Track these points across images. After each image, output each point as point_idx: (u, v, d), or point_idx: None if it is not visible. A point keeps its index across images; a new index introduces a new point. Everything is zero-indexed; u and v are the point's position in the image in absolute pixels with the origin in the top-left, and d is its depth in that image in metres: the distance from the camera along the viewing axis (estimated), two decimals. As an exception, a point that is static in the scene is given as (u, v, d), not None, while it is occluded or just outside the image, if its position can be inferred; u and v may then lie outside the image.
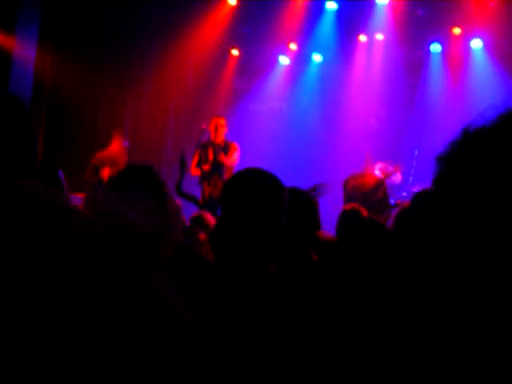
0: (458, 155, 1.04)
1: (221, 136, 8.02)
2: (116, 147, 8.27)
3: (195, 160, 8.08)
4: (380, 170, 8.75)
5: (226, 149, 7.98)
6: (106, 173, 7.41)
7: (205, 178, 7.99)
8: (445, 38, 10.86)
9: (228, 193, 2.27)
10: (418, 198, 3.25)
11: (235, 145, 8.03)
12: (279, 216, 2.21)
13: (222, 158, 7.87)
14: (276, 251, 2.22)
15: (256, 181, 2.25)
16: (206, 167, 8.00)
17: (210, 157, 8.02)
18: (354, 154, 10.04)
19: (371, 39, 11.16)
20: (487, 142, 1.02)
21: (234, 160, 7.93)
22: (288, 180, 4.82)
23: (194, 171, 8.06)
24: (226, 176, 7.78)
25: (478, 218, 0.95)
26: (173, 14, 10.51)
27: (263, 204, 2.18)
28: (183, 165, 7.05)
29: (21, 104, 2.32)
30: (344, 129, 11.19)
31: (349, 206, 5.15)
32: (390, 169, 8.89)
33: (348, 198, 7.43)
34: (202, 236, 4.64)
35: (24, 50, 9.26)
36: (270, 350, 1.97)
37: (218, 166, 7.93)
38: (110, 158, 7.73)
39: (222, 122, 8.10)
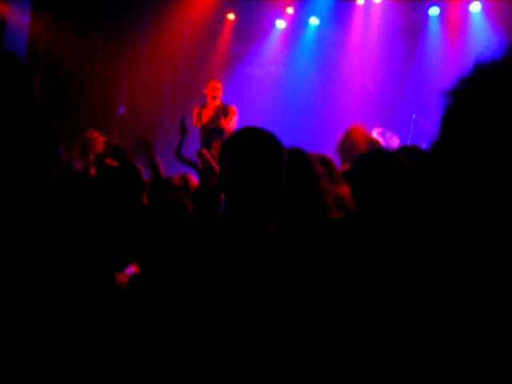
0: (469, 90, 1.01)
1: (218, 99, 8.02)
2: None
3: (195, 114, 8.07)
4: (378, 134, 8.72)
5: (224, 112, 7.97)
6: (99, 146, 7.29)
7: (205, 142, 8.01)
8: (443, 1, 10.75)
9: (226, 152, 2.25)
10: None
11: (234, 108, 8.02)
12: (278, 175, 2.20)
13: (222, 121, 7.87)
14: (275, 210, 2.20)
15: (255, 139, 2.23)
16: (204, 131, 8.01)
17: (205, 120, 8.02)
18: (352, 117, 10.00)
19: (368, 2, 11.05)
20: (498, 76, 0.99)
21: (233, 124, 7.93)
22: (286, 143, 4.79)
23: (196, 122, 8.08)
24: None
25: (488, 152, 0.93)
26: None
27: (262, 162, 2.16)
28: (183, 129, 7.01)
29: (18, 60, 2.29)
30: (341, 92, 11.13)
31: (346, 166, 5.10)
32: (388, 133, 8.85)
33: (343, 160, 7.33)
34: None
35: (17, 17, 9.15)
36: (269, 314, 1.96)
37: (217, 130, 7.92)
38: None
39: (218, 85, 8.08)
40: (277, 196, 2.20)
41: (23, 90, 2.22)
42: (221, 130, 7.89)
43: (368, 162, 2.81)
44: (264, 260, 2.01)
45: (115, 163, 5.60)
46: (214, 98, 8.00)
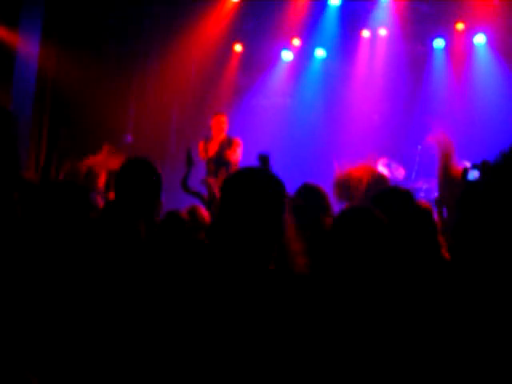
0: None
1: (223, 132, 8.10)
2: (104, 155, 8.14)
3: (201, 148, 8.13)
4: (383, 165, 8.75)
5: (229, 144, 8.04)
6: (102, 179, 7.28)
7: (210, 174, 8.08)
8: (448, 34, 10.84)
9: (228, 192, 2.25)
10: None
11: (238, 140, 8.09)
12: (280, 216, 2.20)
13: (227, 154, 7.94)
14: (276, 251, 2.20)
15: (258, 181, 2.23)
16: (210, 164, 8.09)
17: (211, 153, 8.10)
18: (358, 149, 10.04)
19: (374, 34, 11.14)
20: None
21: (237, 156, 8.00)
22: (291, 175, 4.84)
23: (202, 156, 8.14)
24: (231, 172, 7.84)
25: None
26: (176, 9, 10.52)
27: (265, 204, 2.16)
28: (190, 160, 7.07)
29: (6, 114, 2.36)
30: (347, 124, 11.18)
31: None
32: (394, 164, 8.89)
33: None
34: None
35: (27, 46, 9.26)
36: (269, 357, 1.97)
37: (223, 163, 7.99)
38: (102, 163, 7.58)
39: (223, 119, 8.16)
40: (278, 237, 2.20)
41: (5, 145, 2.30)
42: (226, 163, 7.96)
43: (348, 218, 2.89)
44: (263, 300, 2.01)
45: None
46: (220, 131, 8.09)
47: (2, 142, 2.30)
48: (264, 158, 5.02)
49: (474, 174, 3.25)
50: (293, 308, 2.04)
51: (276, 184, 2.27)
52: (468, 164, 6.79)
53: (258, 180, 2.24)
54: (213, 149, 8.09)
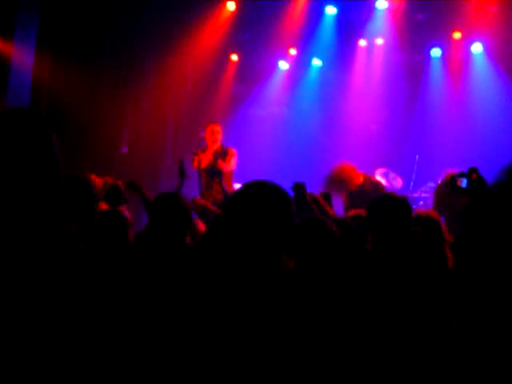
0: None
1: (217, 142, 8.03)
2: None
3: (195, 158, 8.06)
4: (381, 175, 8.70)
5: (223, 154, 7.98)
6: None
7: (205, 184, 8.03)
8: (445, 43, 10.83)
9: (234, 206, 2.19)
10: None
11: (232, 150, 8.04)
12: (288, 232, 2.14)
13: (220, 164, 7.88)
14: (281, 266, 2.15)
15: (266, 196, 2.18)
16: (203, 174, 8.03)
17: (204, 164, 8.02)
18: (354, 158, 10.00)
19: (371, 44, 11.14)
20: None
21: (231, 166, 7.96)
22: (288, 185, 4.76)
23: (196, 166, 8.06)
24: (225, 182, 7.83)
25: None
26: (172, 19, 10.50)
27: (273, 219, 2.11)
28: (182, 172, 7.02)
29: (40, 119, 2.27)
30: (344, 134, 11.15)
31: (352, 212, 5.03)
32: (391, 174, 8.84)
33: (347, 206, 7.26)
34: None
35: (22, 57, 9.22)
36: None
37: (216, 173, 7.93)
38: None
39: (217, 128, 8.09)
40: (284, 250, 2.14)
41: (44, 148, 2.21)
42: (219, 173, 7.91)
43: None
44: (274, 319, 1.96)
45: (105, 207, 5.50)
46: (214, 141, 8.01)
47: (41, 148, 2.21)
48: (299, 187, 4.96)
49: (461, 182, 3.25)
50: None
51: (284, 198, 2.20)
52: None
53: (267, 195, 2.18)
54: (207, 159, 8.02)
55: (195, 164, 8.02)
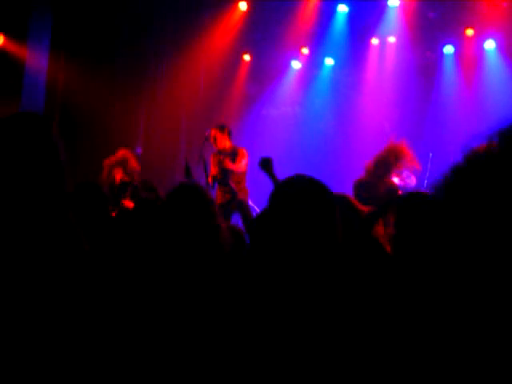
0: (458, 181, 1.11)
1: (222, 144, 8.10)
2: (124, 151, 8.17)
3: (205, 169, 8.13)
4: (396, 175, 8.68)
5: (233, 155, 8.05)
6: (118, 175, 7.35)
7: (218, 184, 8.13)
8: (458, 40, 10.79)
9: (279, 201, 2.18)
10: None
11: (244, 151, 8.10)
12: (334, 225, 2.14)
13: (228, 164, 7.95)
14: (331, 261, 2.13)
15: (309, 191, 2.17)
16: (216, 175, 8.12)
17: (216, 165, 8.14)
18: (368, 157, 9.99)
19: (383, 42, 11.12)
20: (485, 168, 1.08)
21: (242, 166, 8.02)
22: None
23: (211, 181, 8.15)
24: (236, 183, 7.90)
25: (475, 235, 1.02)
26: (185, 20, 10.54)
27: (317, 213, 2.10)
28: (188, 173, 7.06)
29: (45, 123, 2.29)
30: (357, 132, 11.15)
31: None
32: (405, 172, 8.81)
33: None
34: None
35: (36, 59, 9.28)
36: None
37: (225, 173, 8.01)
38: (121, 159, 7.64)
39: (217, 132, 8.16)
40: (332, 247, 2.12)
41: (49, 153, 2.23)
42: (227, 173, 8.00)
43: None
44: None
45: (130, 204, 5.56)
46: (215, 144, 8.12)
47: (45, 152, 2.23)
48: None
49: None
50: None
51: (327, 193, 2.20)
52: None
53: (310, 189, 2.18)
54: (217, 162, 8.16)
55: (210, 180, 8.07)
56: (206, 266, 2.71)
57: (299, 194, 2.14)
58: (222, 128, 8.23)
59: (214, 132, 8.16)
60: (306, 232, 2.07)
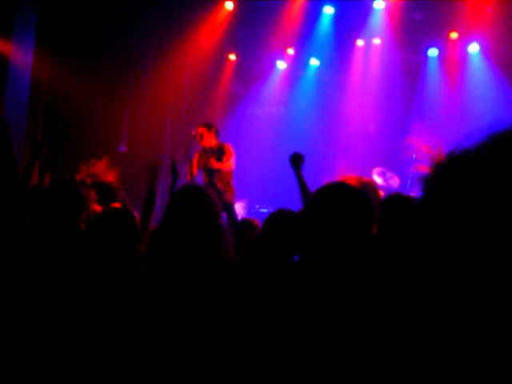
0: (442, 179, 1.13)
1: (208, 142, 8.08)
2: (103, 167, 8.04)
3: (190, 168, 8.09)
4: (378, 174, 8.75)
5: (220, 152, 8.03)
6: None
7: (205, 183, 8.09)
8: (442, 43, 10.87)
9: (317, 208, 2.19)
10: None
11: (229, 147, 8.07)
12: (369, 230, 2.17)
13: (213, 164, 7.92)
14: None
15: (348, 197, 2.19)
16: (204, 173, 8.09)
17: (203, 163, 8.09)
18: (352, 158, 10.05)
19: (368, 43, 11.18)
20: (469, 167, 1.10)
21: (229, 165, 7.99)
22: (286, 185, 4.80)
23: (188, 176, 8.10)
24: (222, 181, 7.85)
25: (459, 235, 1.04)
26: (171, 19, 10.52)
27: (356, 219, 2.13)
28: (174, 170, 7.03)
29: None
30: (342, 133, 11.19)
31: None
32: (388, 173, 8.88)
33: None
34: None
35: (21, 56, 9.23)
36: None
37: (211, 171, 7.98)
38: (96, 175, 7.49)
39: (204, 130, 8.13)
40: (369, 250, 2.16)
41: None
42: (212, 171, 7.96)
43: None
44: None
45: (98, 208, 5.45)
46: (201, 142, 8.10)
47: None
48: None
49: None
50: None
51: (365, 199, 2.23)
52: None
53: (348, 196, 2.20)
54: (194, 166, 8.12)
55: (188, 176, 8.03)
56: (210, 270, 2.71)
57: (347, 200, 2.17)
58: (209, 126, 8.20)
59: (200, 130, 8.13)
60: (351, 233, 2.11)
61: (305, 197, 4.56)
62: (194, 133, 8.17)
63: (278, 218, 3.44)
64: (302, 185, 4.58)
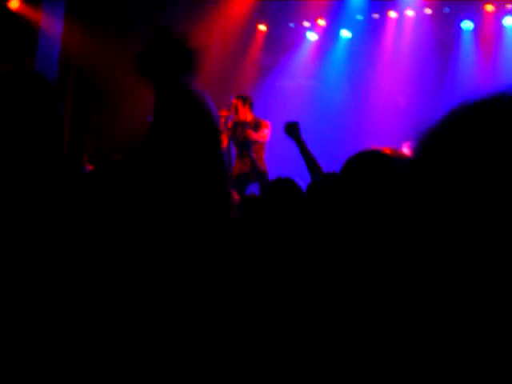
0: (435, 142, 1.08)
1: (243, 115, 8.06)
2: None
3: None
4: (409, 148, 8.64)
5: (256, 126, 8.02)
6: None
7: (237, 155, 8.10)
8: (477, 15, 10.66)
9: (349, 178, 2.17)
10: None
11: (266, 122, 8.08)
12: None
13: (250, 134, 7.93)
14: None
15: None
16: (237, 145, 8.10)
17: (238, 135, 8.09)
18: (382, 131, 9.94)
19: (401, 15, 11.00)
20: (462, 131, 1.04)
21: (264, 136, 8.00)
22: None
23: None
24: (256, 153, 7.86)
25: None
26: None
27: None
28: None
29: (47, 84, 2.26)
30: (372, 106, 11.07)
31: None
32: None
33: None
34: None
35: (51, 24, 9.24)
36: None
37: (246, 143, 7.98)
38: None
39: (240, 102, 8.10)
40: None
41: (49, 115, 2.20)
42: (248, 143, 7.97)
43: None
44: None
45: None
46: (238, 114, 8.07)
47: (47, 119, 2.21)
48: (291, 126, 4.94)
49: None
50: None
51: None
52: None
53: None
54: (238, 132, 8.08)
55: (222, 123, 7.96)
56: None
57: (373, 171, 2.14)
58: (244, 99, 8.19)
59: (235, 102, 8.11)
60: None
61: (310, 167, 4.50)
62: (230, 103, 8.14)
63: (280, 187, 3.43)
64: (305, 152, 4.53)
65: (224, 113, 8.01)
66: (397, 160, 2.22)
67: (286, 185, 3.44)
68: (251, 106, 8.20)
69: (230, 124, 8.12)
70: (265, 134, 8.00)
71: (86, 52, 9.72)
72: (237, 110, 8.07)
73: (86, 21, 9.77)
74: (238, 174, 7.93)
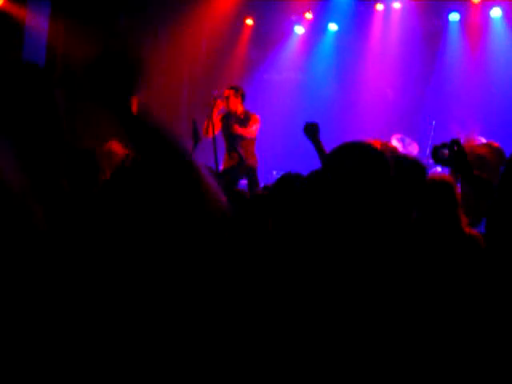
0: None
1: (234, 106, 7.99)
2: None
3: (205, 126, 7.97)
4: (397, 140, 8.67)
5: (245, 120, 7.96)
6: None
7: (226, 149, 8.05)
8: (463, 7, 10.67)
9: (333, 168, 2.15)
10: None
11: (256, 117, 8.00)
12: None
13: (237, 129, 7.87)
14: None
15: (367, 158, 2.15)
16: (226, 139, 8.04)
17: (225, 128, 8.03)
18: (370, 124, 9.95)
19: (388, 7, 11.00)
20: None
21: (251, 132, 7.93)
22: (303, 150, 4.73)
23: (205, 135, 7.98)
24: (245, 148, 7.81)
25: None
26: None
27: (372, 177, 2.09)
28: (196, 135, 6.96)
29: (40, 73, 2.23)
30: (360, 99, 11.07)
31: None
32: (407, 140, 8.79)
33: None
34: None
35: (36, 21, 9.19)
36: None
37: (233, 138, 7.93)
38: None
39: (232, 93, 8.04)
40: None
41: (46, 105, 2.18)
42: (235, 137, 7.90)
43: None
44: None
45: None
46: (227, 102, 7.99)
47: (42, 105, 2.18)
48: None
49: (443, 152, 3.26)
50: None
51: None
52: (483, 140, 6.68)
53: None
54: (217, 125, 7.96)
55: (204, 131, 7.91)
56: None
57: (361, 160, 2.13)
58: (236, 89, 8.12)
59: (227, 92, 8.05)
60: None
61: None
62: (215, 94, 8.06)
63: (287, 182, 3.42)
64: (322, 154, 4.46)
65: (220, 104, 7.97)
66: (380, 152, 2.21)
67: (292, 180, 3.43)
68: (243, 97, 8.12)
69: (220, 116, 8.06)
70: (253, 130, 7.92)
71: (72, 48, 9.66)
72: (228, 101, 7.99)
73: (71, 18, 9.70)
74: (226, 168, 7.88)
